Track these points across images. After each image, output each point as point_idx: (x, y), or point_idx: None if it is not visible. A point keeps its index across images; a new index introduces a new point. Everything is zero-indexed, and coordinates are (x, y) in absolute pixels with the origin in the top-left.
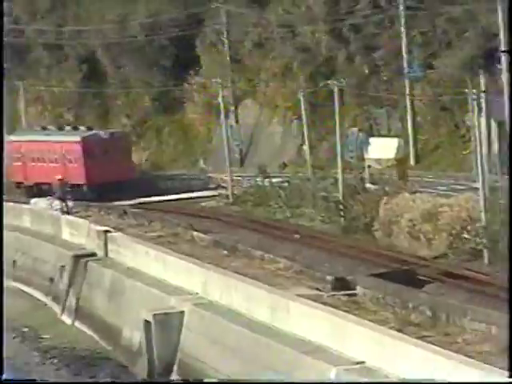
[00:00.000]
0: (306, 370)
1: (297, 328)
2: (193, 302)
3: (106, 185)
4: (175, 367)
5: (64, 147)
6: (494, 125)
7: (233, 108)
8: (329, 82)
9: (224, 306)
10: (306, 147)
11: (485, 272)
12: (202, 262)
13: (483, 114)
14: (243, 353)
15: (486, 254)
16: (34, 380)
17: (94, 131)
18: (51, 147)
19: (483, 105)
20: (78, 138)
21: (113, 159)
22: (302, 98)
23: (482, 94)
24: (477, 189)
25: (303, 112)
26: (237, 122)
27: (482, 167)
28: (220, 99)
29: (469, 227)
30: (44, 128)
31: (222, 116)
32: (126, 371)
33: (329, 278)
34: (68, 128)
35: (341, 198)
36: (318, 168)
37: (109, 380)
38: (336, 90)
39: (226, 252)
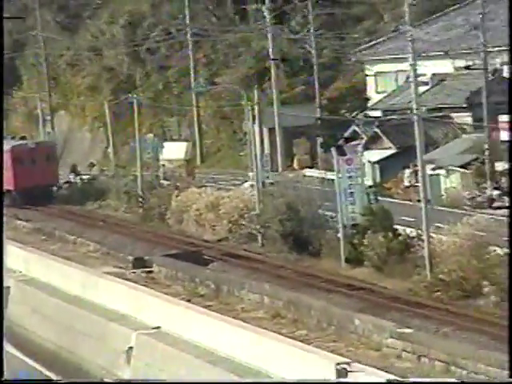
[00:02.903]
0: (113, 335)
1: (105, 300)
2: (17, 279)
3: (33, 190)
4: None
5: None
6: (265, 130)
7: (49, 118)
8: (129, 95)
9: (43, 282)
10: (110, 150)
11: (258, 252)
12: (24, 246)
13: (257, 121)
14: (60, 321)
15: (259, 237)
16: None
17: (23, 141)
18: None
19: (256, 114)
20: (8, 148)
21: (39, 166)
22: (106, 110)
23: (256, 106)
24: (252, 183)
25: (108, 121)
26: (53, 128)
27: (256, 165)
28: (39, 110)
29: (245, 215)
30: None
31: (41, 124)
32: None
33: (130, 258)
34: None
35: (140, 191)
36: (121, 167)
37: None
38: (135, 102)
39: (44, 237)
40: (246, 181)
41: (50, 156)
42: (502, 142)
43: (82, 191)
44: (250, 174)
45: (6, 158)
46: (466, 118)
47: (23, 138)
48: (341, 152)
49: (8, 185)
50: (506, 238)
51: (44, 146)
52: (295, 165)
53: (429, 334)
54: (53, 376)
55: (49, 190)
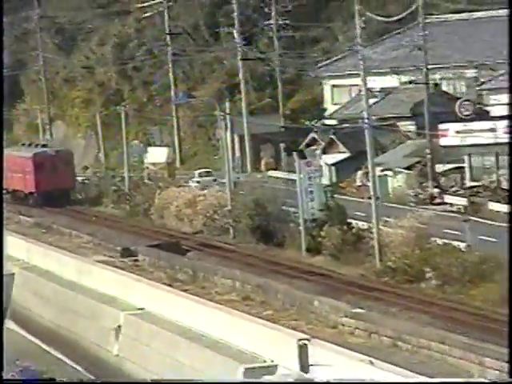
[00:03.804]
0: (104, 315)
1: (96, 285)
2: (20, 267)
3: (53, 192)
4: (8, 313)
5: (24, 162)
6: (236, 137)
7: (48, 127)
8: (117, 107)
9: (43, 269)
10: (101, 154)
11: (230, 243)
12: (26, 238)
13: (228, 129)
14: (57, 303)
15: (231, 230)
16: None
17: (44, 149)
18: (19, 161)
19: (228, 123)
20: (30, 154)
21: (58, 172)
22: (98, 120)
23: (227, 116)
24: (224, 183)
25: (99, 129)
26: (51, 136)
27: (228, 168)
28: (39, 121)
29: (219, 211)
30: (23, 144)
31: (41, 133)
32: None
33: (118, 248)
34: (27, 145)
35: (127, 190)
36: (111, 169)
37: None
38: (122, 113)
39: (44, 230)
40: (191, 178)
41: (68, 162)
42: (442, 146)
43: (78, 191)
44: (196, 172)
45: (29, 163)
46: (410, 126)
47: (44, 145)
48: (301, 156)
49: (30, 188)
50: (445, 230)
51: (63, 153)
52: (262, 167)
53: (379, 313)
54: (52, 350)
55: (67, 193)
